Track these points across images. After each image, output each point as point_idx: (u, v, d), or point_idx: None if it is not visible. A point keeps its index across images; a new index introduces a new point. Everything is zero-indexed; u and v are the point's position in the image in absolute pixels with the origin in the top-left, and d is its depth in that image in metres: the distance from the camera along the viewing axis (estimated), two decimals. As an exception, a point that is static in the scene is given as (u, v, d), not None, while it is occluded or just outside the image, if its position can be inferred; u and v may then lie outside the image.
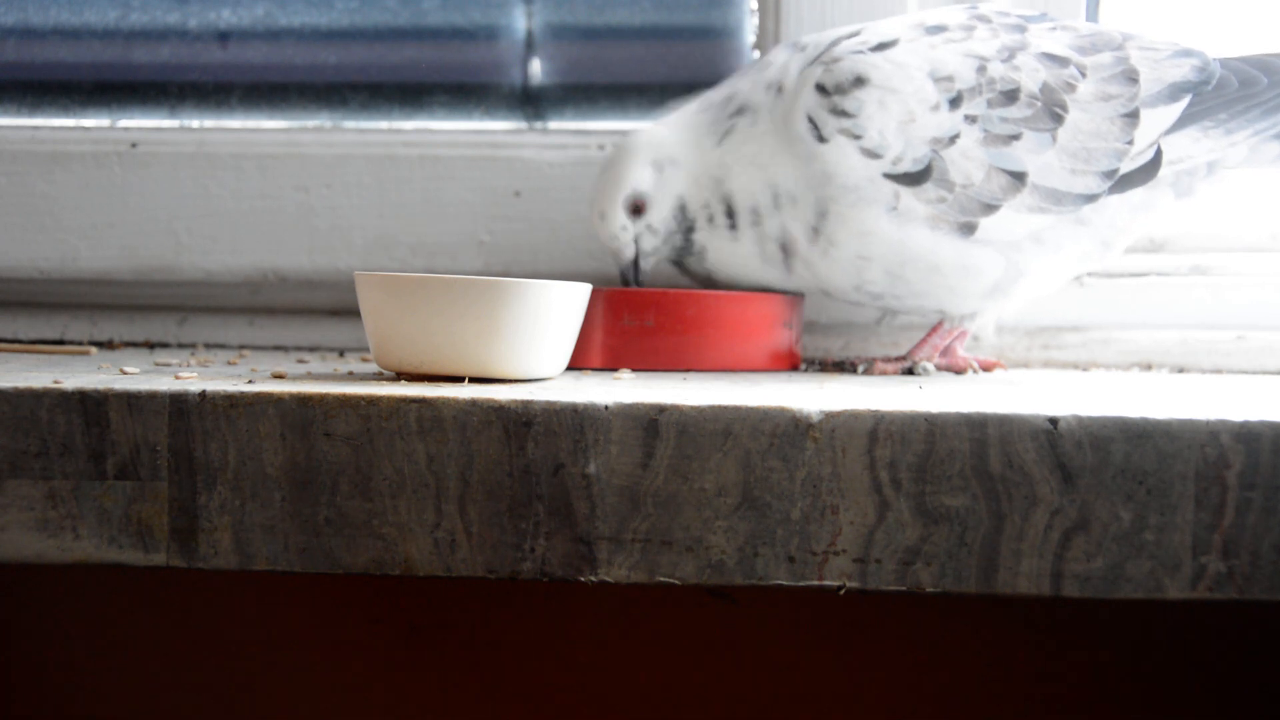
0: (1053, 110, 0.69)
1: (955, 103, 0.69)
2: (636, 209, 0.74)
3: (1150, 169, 0.70)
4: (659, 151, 0.74)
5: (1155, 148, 0.70)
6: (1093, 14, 0.85)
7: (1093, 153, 0.69)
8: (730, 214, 0.72)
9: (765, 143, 0.72)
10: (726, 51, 0.89)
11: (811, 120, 0.69)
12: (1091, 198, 0.70)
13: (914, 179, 0.69)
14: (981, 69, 0.69)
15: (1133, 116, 0.70)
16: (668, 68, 0.82)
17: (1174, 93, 0.70)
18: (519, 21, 0.91)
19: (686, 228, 0.74)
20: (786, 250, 0.72)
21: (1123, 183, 0.70)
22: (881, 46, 0.70)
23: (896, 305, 0.74)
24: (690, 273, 0.76)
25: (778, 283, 0.74)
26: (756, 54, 0.87)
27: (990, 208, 0.69)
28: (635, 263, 0.75)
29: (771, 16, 0.85)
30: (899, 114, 0.69)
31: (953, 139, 0.69)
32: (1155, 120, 0.70)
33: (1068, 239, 0.71)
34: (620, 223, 0.74)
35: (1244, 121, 0.71)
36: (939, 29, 0.71)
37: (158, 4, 0.93)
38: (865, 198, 0.69)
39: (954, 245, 0.70)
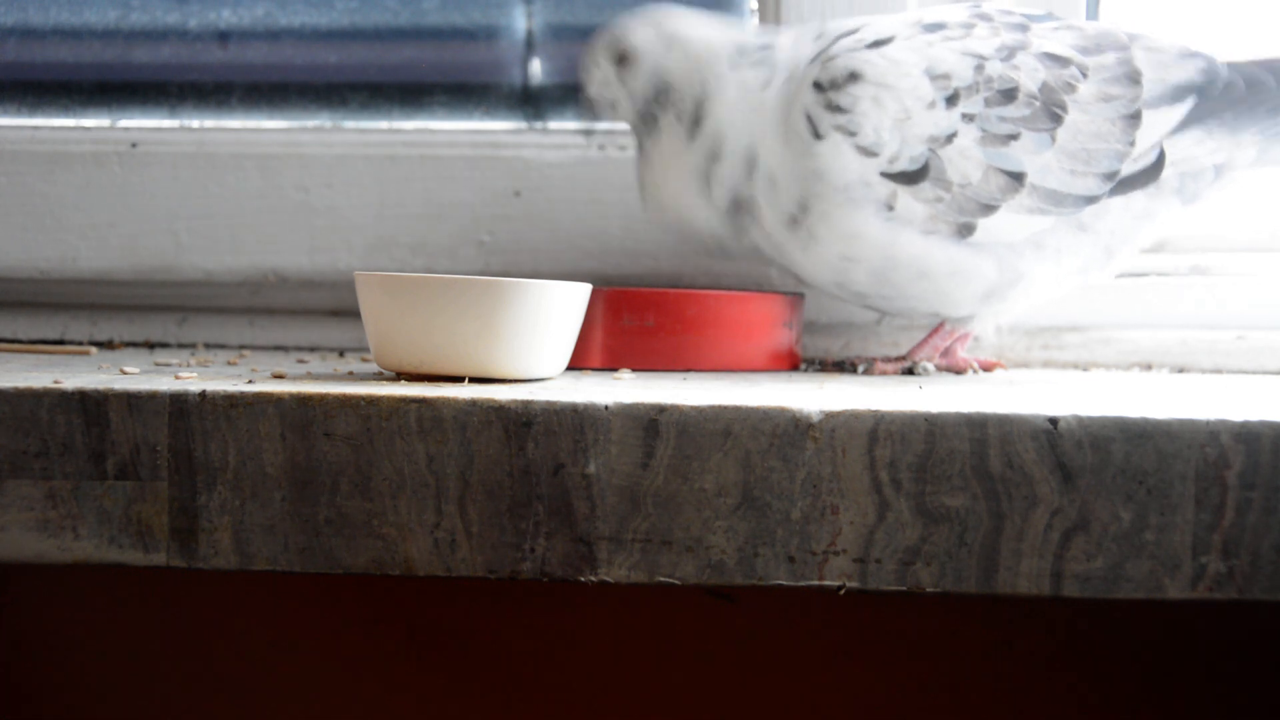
0: (1052, 110, 0.68)
1: (952, 101, 0.68)
2: (621, 60, 0.72)
3: (1153, 171, 0.70)
4: (674, 26, 0.72)
5: (1158, 150, 0.70)
6: (1093, 13, 0.85)
7: (1093, 154, 0.69)
8: (696, 123, 0.71)
9: (763, 111, 0.70)
10: (726, 51, 0.89)
11: (809, 117, 0.69)
12: (1092, 199, 0.69)
13: (911, 178, 0.68)
14: (979, 67, 0.69)
15: (1134, 118, 0.69)
16: (668, 68, 0.82)
17: (1177, 94, 0.70)
18: (519, 21, 0.91)
19: (656, 108, 0.72)
20: (738, 207, 0.71)
21: (1124, 185, 0.70)
22: (877, 44, 0.69)
23: (884, 306, 0.73)
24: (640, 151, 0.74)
25: (714, 223, 0.72)
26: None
27: (988, 208, 0.68)
28: (593, 104, 0.74)
29: (771, 16, 0.85)
30: (895, 111, 0.68)
31: (950, 138, 0.68)
32: (1158, 122, 0.70)
33: (1068, 246, 0.71)
34: (596, 63, 0.73)
35: (1249, 120, 0.70)
36: (937, 26, 0.70)
37: (158, 4, 0.93)
38: (855, 199, 0.69)
39: (946, 250, 0.69)
